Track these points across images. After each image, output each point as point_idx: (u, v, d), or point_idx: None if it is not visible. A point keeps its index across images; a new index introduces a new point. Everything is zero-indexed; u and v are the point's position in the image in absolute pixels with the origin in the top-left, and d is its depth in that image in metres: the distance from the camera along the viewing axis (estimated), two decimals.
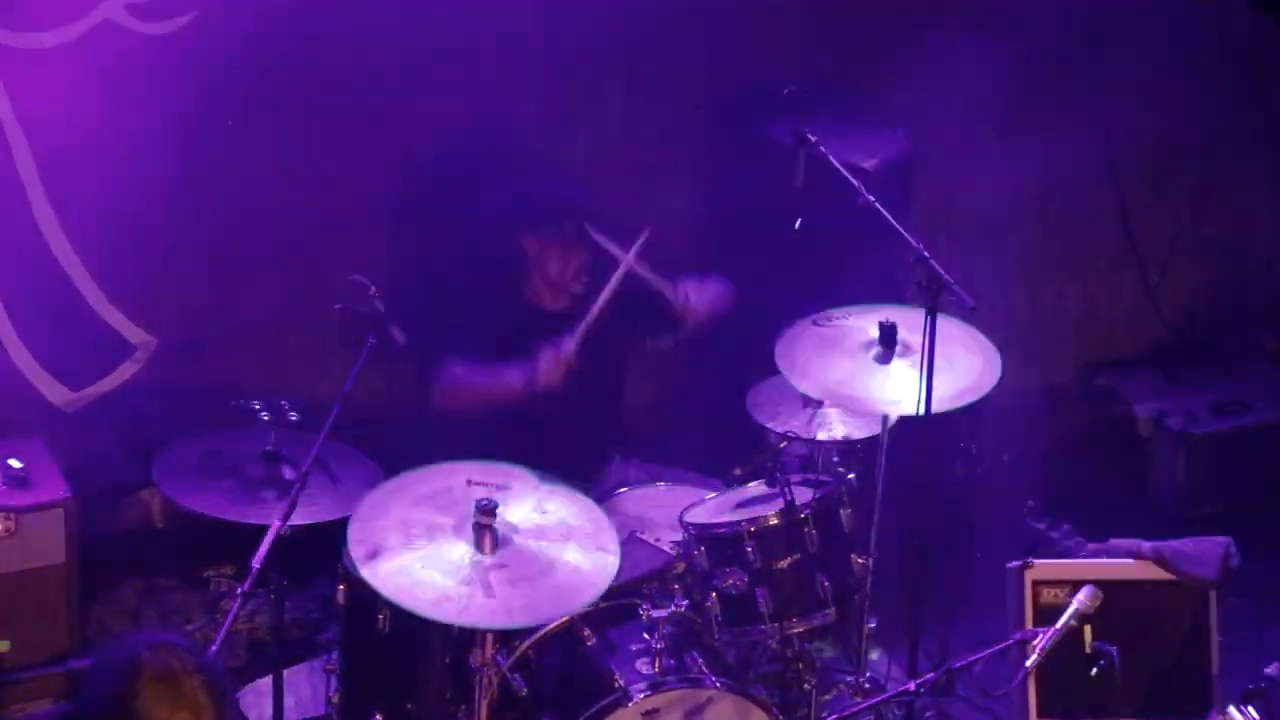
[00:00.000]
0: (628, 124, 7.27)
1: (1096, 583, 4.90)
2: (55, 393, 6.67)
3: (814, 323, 5.97)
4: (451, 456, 5.33)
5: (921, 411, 5.51)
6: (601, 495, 6.07)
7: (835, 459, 6.02)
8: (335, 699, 5.59)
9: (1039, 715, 5.77)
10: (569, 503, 5.29)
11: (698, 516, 5.73)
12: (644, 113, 7.28)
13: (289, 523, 5.05)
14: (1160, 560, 5.83)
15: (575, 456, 6.11)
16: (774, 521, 5.59)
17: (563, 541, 5.15)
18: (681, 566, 5.67)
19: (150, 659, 4.15)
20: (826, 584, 5.60)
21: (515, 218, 6.31)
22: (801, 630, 5.62)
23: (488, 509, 5.06)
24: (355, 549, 5.04)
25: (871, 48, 7.36)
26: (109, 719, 4.17)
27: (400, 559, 5.02)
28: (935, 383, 5.51)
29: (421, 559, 5.02)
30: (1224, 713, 5.09)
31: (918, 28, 7.22)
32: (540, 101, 7.09)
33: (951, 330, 5.70)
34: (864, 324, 5.91)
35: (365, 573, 5.00)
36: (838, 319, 5.95)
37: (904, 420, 5.75)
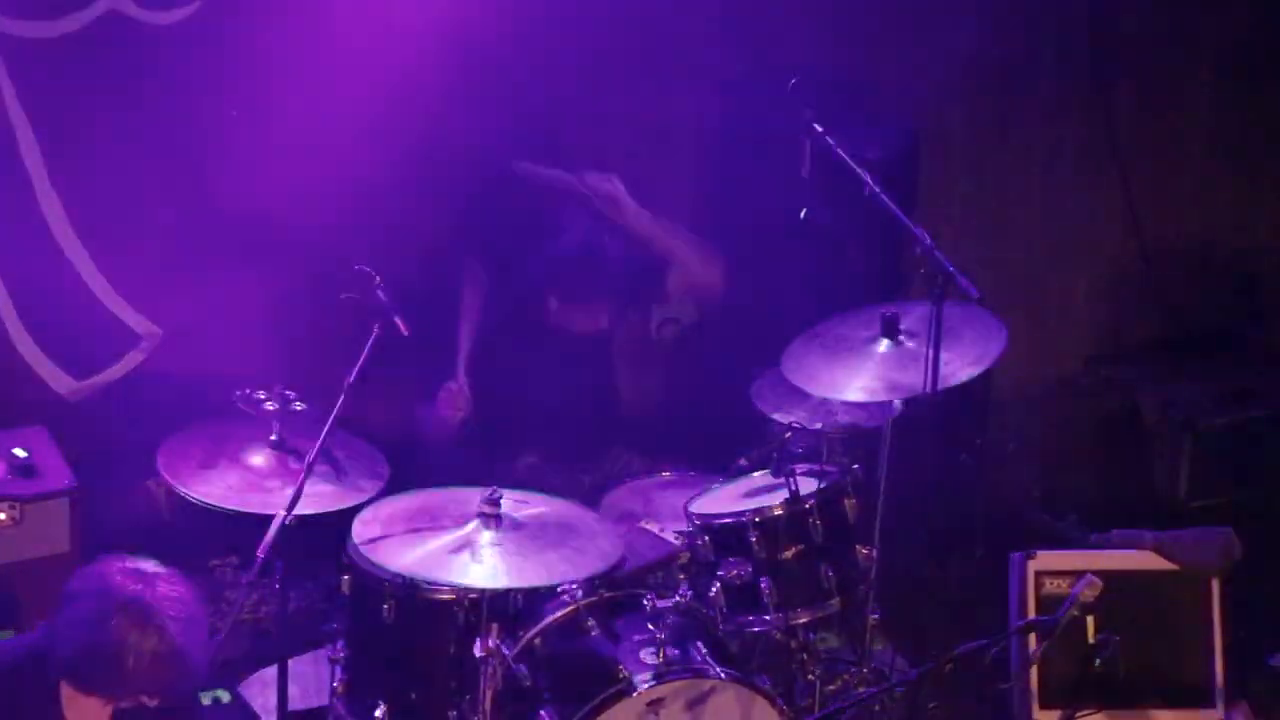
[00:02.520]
0: (630, 110, 7.27)
1: (1099, 573, 4.89)
2: (60, 382, 6.67)
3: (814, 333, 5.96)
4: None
5: (931, 389, 5.48)
6: (605, 485, 6.08)
7: (840, 449, 6.02)
8: (340, 688, 5.60)
9: (1041, 705, 5.78)
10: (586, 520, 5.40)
11: (702, 506, 5.73)
12: (647, 100, 7.28)
13: (294, 512, 5.06)
14: (1163, 550, 5.84)
15: (577, 446, 6.11)
16: (779, 512, 5.60)
17: (568, 537, 5.21)
18: (686, 556, 5.67)
19: (120, 585, 4.19)
20: (831, 574, 5.61)
21: (542, 282, 6.31)
22: (806, 621, 5.63)
23: (493, 499, 5.09)
24: (359, 535, 5.09)
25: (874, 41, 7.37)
26: (83, 645, 4.20)
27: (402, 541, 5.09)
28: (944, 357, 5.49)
29: (423, 539, 5.10)
30: None
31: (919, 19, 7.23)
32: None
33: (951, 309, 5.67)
34: (864, 322, 5.89)
35: (364, 550, 5.07)
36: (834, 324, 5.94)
37: (909, 411, 5.74)
